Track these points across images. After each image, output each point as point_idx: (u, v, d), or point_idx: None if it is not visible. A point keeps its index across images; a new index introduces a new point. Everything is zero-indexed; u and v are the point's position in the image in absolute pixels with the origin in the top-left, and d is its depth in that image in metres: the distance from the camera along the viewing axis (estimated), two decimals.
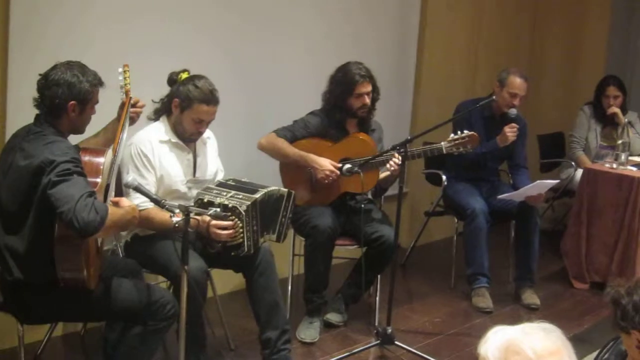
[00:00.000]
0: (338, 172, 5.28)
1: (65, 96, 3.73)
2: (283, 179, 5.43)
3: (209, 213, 3.99)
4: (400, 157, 5.08)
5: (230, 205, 4.41)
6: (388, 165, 5.17)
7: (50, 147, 3.60)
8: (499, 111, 6.20)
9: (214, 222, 4.34)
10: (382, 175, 5.36)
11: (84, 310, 3.96)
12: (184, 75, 4.60)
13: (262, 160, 5.45)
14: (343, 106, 5.39)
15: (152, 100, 4.67)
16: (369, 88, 5.39)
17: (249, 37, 5.78)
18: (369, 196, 5.56)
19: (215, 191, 4.55)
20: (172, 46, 5.21)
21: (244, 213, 4.40)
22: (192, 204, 4.49)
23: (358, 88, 5.34)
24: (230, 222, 4.38)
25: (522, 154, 6.43)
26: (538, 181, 6.06)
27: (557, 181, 6.58)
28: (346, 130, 5.49)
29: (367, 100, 5.38)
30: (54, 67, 3.79)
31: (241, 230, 4.43)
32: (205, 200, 4.46)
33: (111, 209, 3.58)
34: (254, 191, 4.56)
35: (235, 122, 5.61)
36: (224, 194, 4.51)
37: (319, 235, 5.23)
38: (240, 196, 4.48)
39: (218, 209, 4.11)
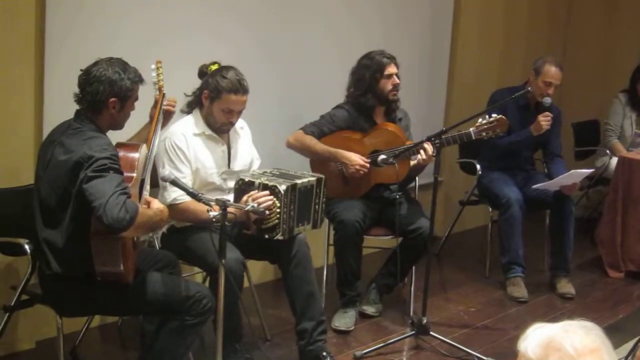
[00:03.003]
0: (368, 166, 5.29)
1: (107, 93, 3.76)
2: (313, 172, 5.41)
3: (246, 208, 4.02)
4: (430, 146, 5.08)
5: (270, 184, 4.43)
6: (419, 155, 5.17)
7: (90, 143, 3.63)
8: (534, 100, 6.17)
9: (253, 195, 4.38)
10: (411, 164, 5.36)
11: (121, 304, 3.98)
12: (214, 67, 4.63)
13: (292, 152, 5.47)
14: (375, 91, 5.39)
15: (185, 94, 4.70)
16: (396, 70, 5.42)
17: (280, 27, 5.79)
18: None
19: (256, 175, 4.59)
20: (203, 37, 5.22)
21: (282, 193, 4.41)
22: (229, 194, 4.56)
23: (387, 69, 5.36)
24: (266, 193, 4.40)
25: (556, 142, 6.40)
26: (572, 170, 6.03)
27: (592, 170, 6.55)
28: (373, 120, 5.49)
29: (398, 80, 5.40)
30: (96, 63, 3.82)
31: (278, 210, 4.44)
32: (247, 180, 4.49)
33: (141, 210, 3.60)
34: (294, 178, 4.58)
35: (267, 111, 5.63)
36: (265, 176, 4.55)
37: (346, 230, 5.25)
38: (281, 180, 4.51)
39: (255, 205, 4.13)
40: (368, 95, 5.40)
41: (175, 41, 5.03)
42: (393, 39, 6.37)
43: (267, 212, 4.36)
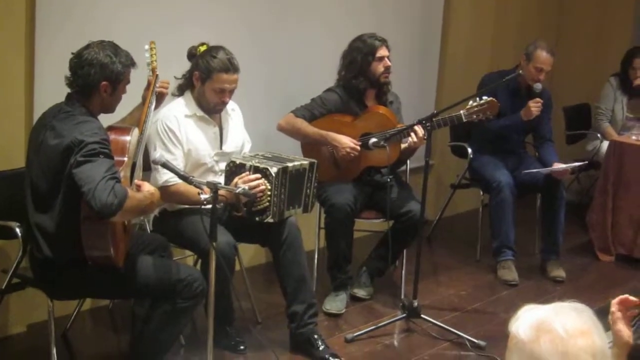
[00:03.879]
0: (358, 149, 5.29)
1: (98, 76, 3.75)
2: (305, 156, 5.39)
3: (237, 191, 4.02)
4: (421, 128, 5.09)
5: (261, 167, 4.44)
6: (410, 138, 5.17)
7: (80, 127, 3.62)
8: (525, 84, 6.17)
9: (244, 177, 4.39)
10: (402, 147, 5.35)
11: (112, 288, 3.99)
12: (203, 48, 4.62)
13: (283, 137, 5.46)
14: (366, 74, 5.39)
15: (175, 77, 4.69)
16: (388, 52, 5.42)
17: (271, 11, 5.78)
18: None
19: (247, 158, 4.59)
20: (194, 22, 5.20)
21: (274, 175, 4.42)
22: (221, 176, 4.58)
23: (379, 51, 5.37)
24: (257, 175, 4.41)
25: (547, 127, 6.39)
26: (564, 165, 6.03)
27: (584, 162, 6.54)
28: (364, 103, 5.49)
29: (389, 62, 5.40)
30: (87, 47, 3.80)
31: (269, 193, 4.45)
32: (238, 162, 4.50)
33: (130, 194, 3.58)
34: (285, 161, 4.59)
35: (258, 94, 5.61)
36: (256, 159, 4.54)
37: (337, 213, 5.25)
38: (272, 163, 4.51)
39: (246, 187, 4.14)
40: (360, 78, 5.40)
41: (167, 26, 5.00)
42: (385, 22, 6.36)
43: (258, 194, 4.38)
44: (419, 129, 5.10)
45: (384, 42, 5.42)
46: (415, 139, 5.14)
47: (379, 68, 5.38)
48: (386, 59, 5.40)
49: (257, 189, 4.37)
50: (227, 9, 5.47)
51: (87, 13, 4.67)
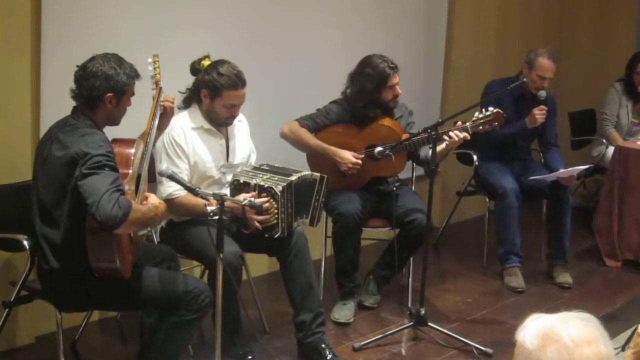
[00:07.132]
0: (360, 163, 5.29)
1: (103, 88, 3.76)
2: (310, 165, 5.41)
3: (243, 203, 4.03)
4: (463, 133, 5.07)
5: (266, 185, 4.45)
6: (453, 135, 5.06)
7: (85, 139, 3.63)
8: (529, 90, 6.16)
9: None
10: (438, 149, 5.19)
11: (119, 300, 3.99)
12: (206, 63, 4.61)
13: (289, 145, 5.46)
14: (376, 102, 5.35)
15: (179, 92, 4.69)
16: (398, 79, 5.36)
17: (276, 21, 5.79)
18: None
19: (251, 173, 4.60)
20: (197, 31, 5.22)
21: (279, 194, 4.43)
22: (227, 188, 4.59)
23: (391, 80, 5.30)
24: (264, 199, 4.42)
25: (552, 132, 6.38)
26: (571, 168, 6.03)
27: (590, 165, 6.54)
28: (370, 117, 5.47)
29: (399, 90, 5.37)
30: (92, 59, 3.82)
31: (276, 211, 4.46)
32: (242, 181, 4.51)
33: (134, 206, 3.58)
34: (289, 174, 4.59)
35: (264, 105, 5.61)
36: (260, 175, 4.55)
37: (345, 221, 5.24)
38: (276, 178, 4.52)
39: (252, 199, 4.15)
40: (369, 106, 5.36)
41: (172, 36, 5.02)
42: (390, 31, 6.39)
43: (267, 216, 4.41)
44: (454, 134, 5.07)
45: (395, 69, 5.32)
46: (456, 138, 5.08)
47: (389, 95, 5.34)
48: (397, 87, 5.35)
49: (265, 218, 4.41)
50: (232, 20, 5.48)
51: (92, 24, 4.69)
